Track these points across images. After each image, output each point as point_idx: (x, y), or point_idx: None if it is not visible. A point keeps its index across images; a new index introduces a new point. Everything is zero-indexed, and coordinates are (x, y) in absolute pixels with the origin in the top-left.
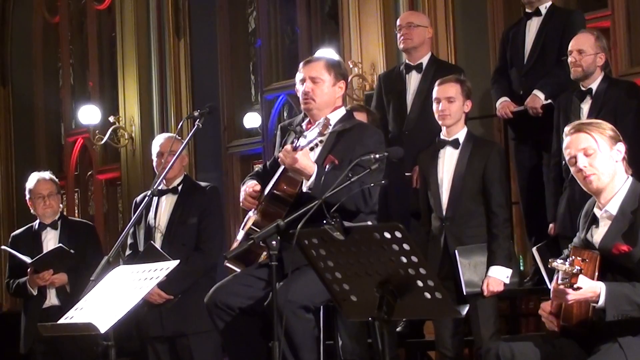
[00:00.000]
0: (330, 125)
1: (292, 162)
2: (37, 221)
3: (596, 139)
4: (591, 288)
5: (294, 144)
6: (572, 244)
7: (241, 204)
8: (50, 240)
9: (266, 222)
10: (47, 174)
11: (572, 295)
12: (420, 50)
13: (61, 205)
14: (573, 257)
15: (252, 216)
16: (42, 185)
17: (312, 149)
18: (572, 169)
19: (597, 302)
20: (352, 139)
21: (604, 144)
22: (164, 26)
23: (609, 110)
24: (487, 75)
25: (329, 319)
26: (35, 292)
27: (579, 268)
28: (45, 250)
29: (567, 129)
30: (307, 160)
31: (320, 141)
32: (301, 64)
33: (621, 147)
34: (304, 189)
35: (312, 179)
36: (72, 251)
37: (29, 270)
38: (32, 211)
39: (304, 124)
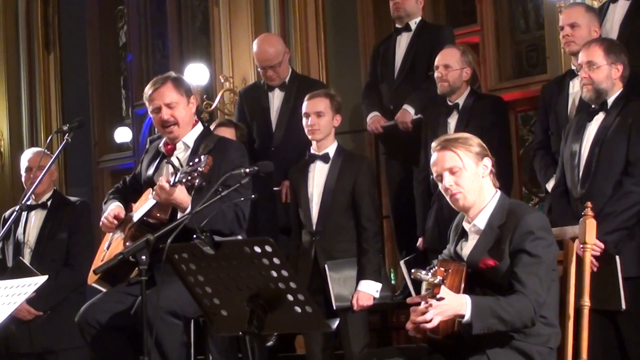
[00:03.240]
0: (210, 164)
1: (167, 197)
2: None
3: (461, 157)
4: (456, 301)
5: (171, 181)
6: (441, 255)
7: (100, 224)
8: None
9: None
10: None
11: (440, 313)
12: (284, 73)
13: None
14: (436, 267)
15: (117, 237)
16: None
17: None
18: (439, 186)
19: (463, 316)
20: (217, 157)
21: (469, 162)
22: (33, 40)
23: (475, 124)
24: (358, 90)
25: (200, 334)
26: None
27: (440, 278)
28: None
29: (434, 144)
30: (183, 195)
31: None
32: (149, 92)
33: (487, 162)
34: (179, 217)
35: (187, 212)
36: None
37: None
38: None
39: (161, 145)
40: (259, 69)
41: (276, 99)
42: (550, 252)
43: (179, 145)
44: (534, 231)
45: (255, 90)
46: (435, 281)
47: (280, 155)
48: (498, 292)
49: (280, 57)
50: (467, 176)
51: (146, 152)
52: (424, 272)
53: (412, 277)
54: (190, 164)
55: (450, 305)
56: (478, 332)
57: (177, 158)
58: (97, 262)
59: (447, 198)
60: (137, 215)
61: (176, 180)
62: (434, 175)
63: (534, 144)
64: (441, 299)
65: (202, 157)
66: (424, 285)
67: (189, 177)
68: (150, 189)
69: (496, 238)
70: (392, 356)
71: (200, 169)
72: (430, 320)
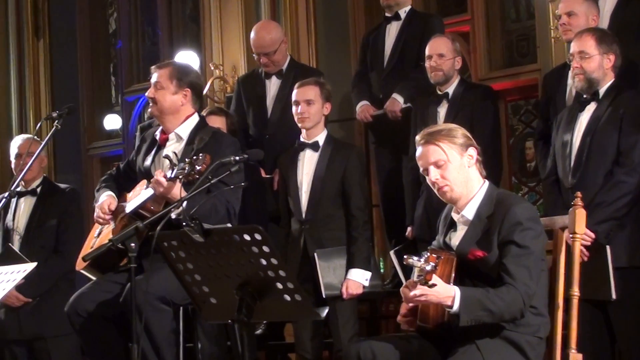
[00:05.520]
0: (208, 162)
1: (164, 192)
2: None
3: (445, 150)
4: (445, 291)
5: (168, 175)
6: (430, 246)
7: (95, 218)
8: None
9: None
10: None
11: (426, 297)
12: (280, 62)
13: None
14: (428, 254)
15: (108, 226)
16: None
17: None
18: (427, 179)
19: (451, 307)
20: (210, 151)
21: (453, 154)
22: (23, 27)
23: (465, 114)
24: (348, 79)
25: (189, 321)
26: None
27: (433, 264)
28: None
29: (417, 138)
30: (178, 191)
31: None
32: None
33: (472, 151)
34: (173, 216)
35: (181, 208)
36: None
37: None
38: None
39: (157, 133)
40: (254, 55)
41: (273, 86)
42: (539, 242)
43: (172, 137)
44: (522, 222)
45: (253, 77)
46: (428, 268)
47: (274, 142)
48: (488, 283)
49: (276, 45)
50: (453, 168)
51: (143, 140)
52: (416, 258)
53: (404, 263)
54: (187, 160)
55: (439, 293)
56: (465, 324)
57: (174, 152)
58: (87, 250)
59: (435, 191)
60: (130, 206)
61: (172, 175)
62: (420, 169)
63: (536, 133)
64: (433, 285)
65: (201, 155)
66: (415, 272)
67: (187, 174)
68: (145, 180)
69: (485, 229)
70: (385, 342)
71: (199, 167)
72: (419, 296)
